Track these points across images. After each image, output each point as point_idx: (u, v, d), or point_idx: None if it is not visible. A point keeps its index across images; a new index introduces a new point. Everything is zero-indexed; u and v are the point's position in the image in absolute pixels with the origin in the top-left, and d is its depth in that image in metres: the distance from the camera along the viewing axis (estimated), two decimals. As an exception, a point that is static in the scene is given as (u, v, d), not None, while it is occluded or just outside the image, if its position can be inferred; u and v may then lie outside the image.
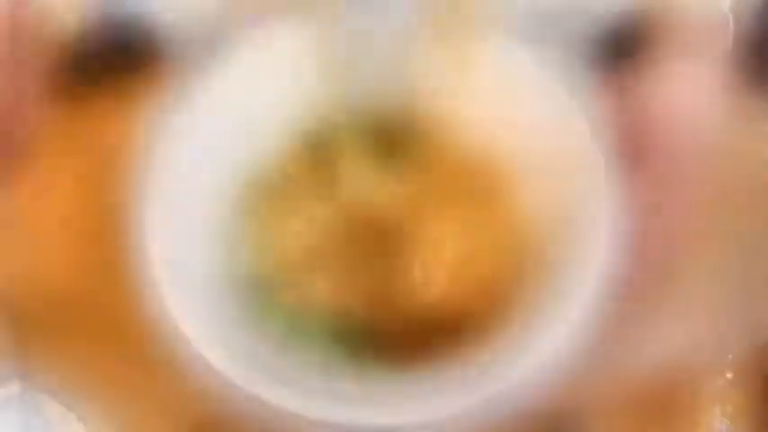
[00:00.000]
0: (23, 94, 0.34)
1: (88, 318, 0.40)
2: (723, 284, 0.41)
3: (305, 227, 0.34)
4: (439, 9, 0.45)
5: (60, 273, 0.42)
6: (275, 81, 0.32)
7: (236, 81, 0.30)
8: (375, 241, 0.34)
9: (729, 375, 0.35)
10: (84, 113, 0.48)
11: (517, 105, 0.32)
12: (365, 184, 0.35)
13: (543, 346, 0.23)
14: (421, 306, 0.32)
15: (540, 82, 0.29)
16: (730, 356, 0.36)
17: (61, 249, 0.42)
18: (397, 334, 0.31)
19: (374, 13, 0.31)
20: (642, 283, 0.32)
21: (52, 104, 0.45)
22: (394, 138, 0.37)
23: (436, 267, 0.33)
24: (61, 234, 0.43)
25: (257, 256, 0.33)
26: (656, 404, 0.37)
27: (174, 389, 0.38)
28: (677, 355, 0.39)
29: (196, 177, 0.30)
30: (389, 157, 0.36)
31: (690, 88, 0.37)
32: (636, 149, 0.32)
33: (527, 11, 0.51)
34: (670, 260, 0.36)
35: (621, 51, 0.51)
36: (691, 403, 0.37)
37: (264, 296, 0.32)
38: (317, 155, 0.37)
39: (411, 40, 0.31)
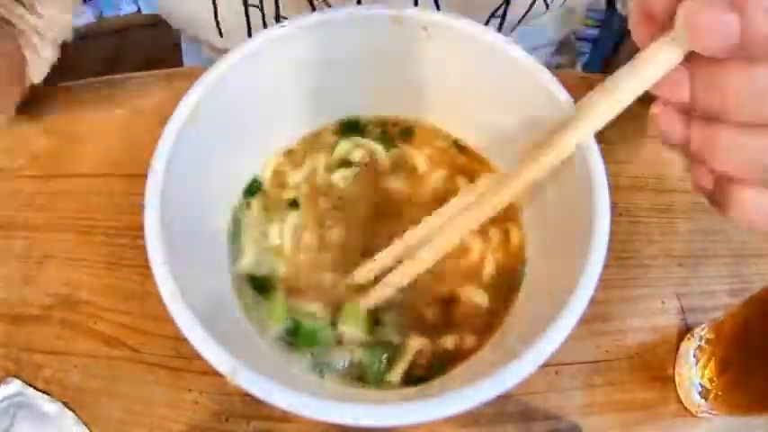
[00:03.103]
0: None
1: (88, 318, 0.40)
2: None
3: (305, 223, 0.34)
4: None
5: (63, 273, 0.42)
6: (277, 80, 0.32)
7: (239, 80, 0.30)
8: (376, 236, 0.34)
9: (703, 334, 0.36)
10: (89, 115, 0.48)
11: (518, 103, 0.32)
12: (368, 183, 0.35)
13: (544, 347, 0.23)
14: (422, 303, 0.32)
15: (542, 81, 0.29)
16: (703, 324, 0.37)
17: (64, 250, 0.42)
18: (398, 331, 0.31)
19: None
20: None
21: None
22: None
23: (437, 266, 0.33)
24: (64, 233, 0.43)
25: (258, 253, 0.33)
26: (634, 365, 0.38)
27: (175, 389, 0.38)
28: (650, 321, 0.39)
29: (197, 177, 0.30)
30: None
31: None
32: None
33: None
34: None
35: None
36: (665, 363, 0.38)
37: (265, 293, 0.32)
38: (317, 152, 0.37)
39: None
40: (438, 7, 0.46)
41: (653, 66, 0.20)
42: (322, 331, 0.31)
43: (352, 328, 0.31)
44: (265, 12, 0.47)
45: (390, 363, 0.31)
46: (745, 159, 0.19)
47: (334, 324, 0.31)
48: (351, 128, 0.37)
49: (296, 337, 0.31)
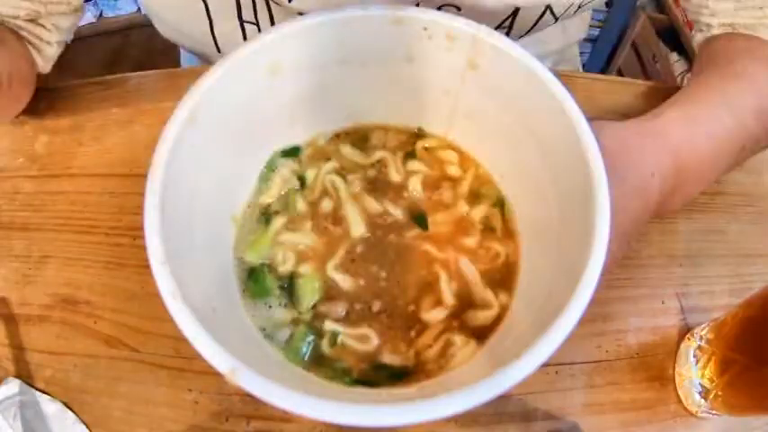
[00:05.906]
0: None
1: (88, 318, 0.40)
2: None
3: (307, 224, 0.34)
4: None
5: (63, 273, 0.42)
6: (276, 81, 0.32)
7: (238, 81, 0.30)
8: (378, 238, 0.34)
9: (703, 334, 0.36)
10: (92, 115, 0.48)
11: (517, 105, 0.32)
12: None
13: (544, 347, 0.23)
14: (421, 302, 0.32)
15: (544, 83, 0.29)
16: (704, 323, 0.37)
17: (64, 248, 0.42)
18: (397, 331, 0.31)
19: None
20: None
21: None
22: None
23: (436, 266, 0.33)
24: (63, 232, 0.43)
25: (258, 249, 0.33)
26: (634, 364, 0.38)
27: (175, 389, 0.38)
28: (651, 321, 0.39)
29: (197, 177, 0.30)
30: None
31: None
32: None
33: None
34: None
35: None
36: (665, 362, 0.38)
37: (264, 292, 0.32)
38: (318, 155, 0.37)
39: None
40: None
41: None
42: (317, 325, 0.31)
43: (349, 330, 0.31)
44: (261, 28, 0.48)
45: (387, 363, 0.31)
46: None
47: (330, 323, 0.31)
48: (354, 131, 0.37)
49: (293, 331, 0.31)
